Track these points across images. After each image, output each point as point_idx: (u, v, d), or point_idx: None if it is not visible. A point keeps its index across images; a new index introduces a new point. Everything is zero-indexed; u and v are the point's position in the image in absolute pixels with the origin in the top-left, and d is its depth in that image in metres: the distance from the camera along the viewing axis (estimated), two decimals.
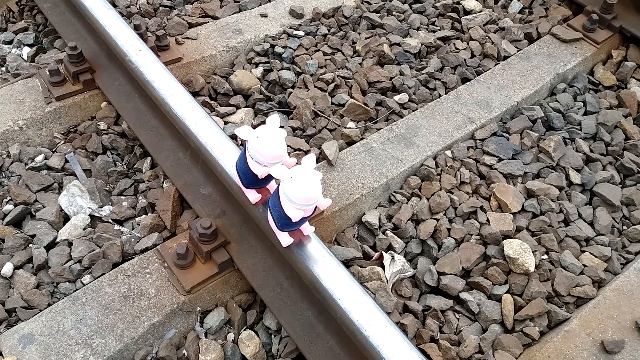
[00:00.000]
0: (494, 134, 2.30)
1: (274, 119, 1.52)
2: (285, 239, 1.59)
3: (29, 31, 2.61)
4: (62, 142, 2.18)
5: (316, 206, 1.49)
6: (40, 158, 2.09)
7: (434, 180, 2.11)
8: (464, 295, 1.82)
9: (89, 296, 1.69)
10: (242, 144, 1.75)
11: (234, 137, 2.19)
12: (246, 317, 1.78)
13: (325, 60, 2.53)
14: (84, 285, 1.76)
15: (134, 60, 2.05)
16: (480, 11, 2.86)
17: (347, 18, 2.76)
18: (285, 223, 1.52)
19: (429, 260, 1.91)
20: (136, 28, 2.28)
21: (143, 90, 2.07)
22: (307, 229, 1.62)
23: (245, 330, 1.75)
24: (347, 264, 1.89)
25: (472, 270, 1.90)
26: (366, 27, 2.74)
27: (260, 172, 1.52)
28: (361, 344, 1.44)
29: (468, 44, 2.66)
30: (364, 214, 2.02)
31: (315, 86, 2.41)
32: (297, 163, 1.53)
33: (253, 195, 1.66)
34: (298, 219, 1.46)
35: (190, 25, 2.63)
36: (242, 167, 1.59)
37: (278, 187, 1.49)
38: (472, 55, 2.63)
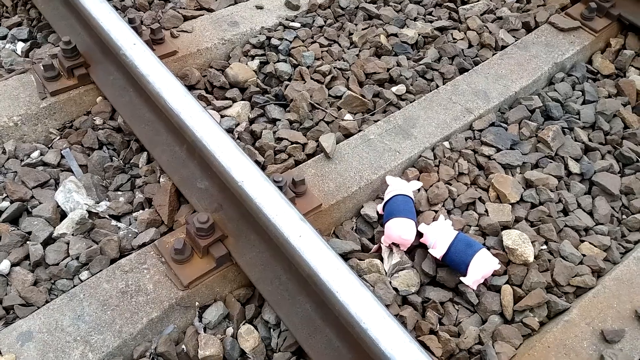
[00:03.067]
0: (492, 124, 2.28)
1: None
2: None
3: (22, 26, 2.59)
4: (58, 137, 2.16)
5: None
6: (36, 154, 2.07)
7: (432, 172, 2.10)
8: (463, 287, 1.81)
9: (87, 292, 1.68)
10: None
11: (229, 130, 2.18)
12: (245, 312, 1.78)
13: (322, 52, 2.52)
14: (81, 281, 1.76)
15: (128, 54, 2.03)
16: (478, 1, 2.84)
17: (344, 9, 2.74)
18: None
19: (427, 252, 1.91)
20: (130, 21, 2.27)
21: (138, 85, 2.05)
22: None
23: (244, 324, 1.74)
24: (346, 256, 1.88)
25: None
26: (363, 18, 2.72)
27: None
28: (360, 337, 1.43)
29: (465, 34, 2.65)
30: (362, 207, 2.01)
31: (312, 78, 2.39)
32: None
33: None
34: None
35: (185, 18, 2.61)
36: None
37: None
38: (470, 46, 2.62)
